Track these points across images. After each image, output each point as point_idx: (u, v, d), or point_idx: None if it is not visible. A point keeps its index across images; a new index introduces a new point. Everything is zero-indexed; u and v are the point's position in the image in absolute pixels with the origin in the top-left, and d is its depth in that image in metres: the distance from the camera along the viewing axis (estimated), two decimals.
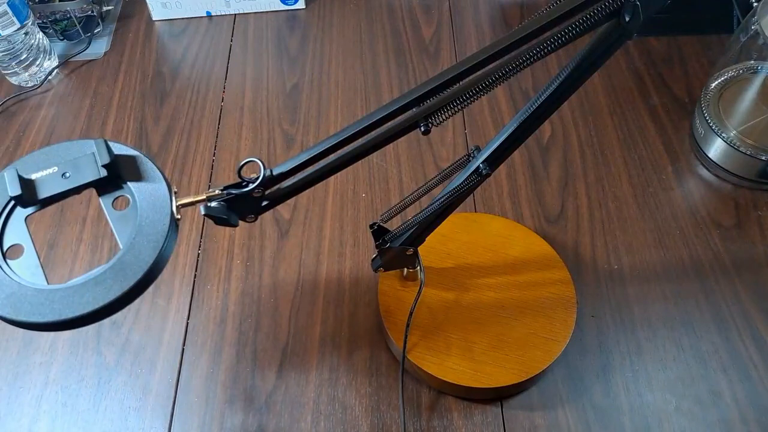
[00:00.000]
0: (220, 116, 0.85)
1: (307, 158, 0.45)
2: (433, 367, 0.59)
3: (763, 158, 0.71)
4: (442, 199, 0.52)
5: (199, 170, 0.79)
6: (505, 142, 0.49)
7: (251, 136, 0.82)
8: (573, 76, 0.45)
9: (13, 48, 0.85)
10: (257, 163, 0.45)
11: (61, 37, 0.94)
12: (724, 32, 0.88)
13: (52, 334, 0.67)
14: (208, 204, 0.45)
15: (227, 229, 0.73)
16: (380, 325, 0.64)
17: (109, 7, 0.98)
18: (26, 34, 0.85)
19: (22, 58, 0.86)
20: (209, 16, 0.97)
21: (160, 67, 0.91)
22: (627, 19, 0.41)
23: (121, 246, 0.41)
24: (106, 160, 0.42)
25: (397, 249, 0.58)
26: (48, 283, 0.41)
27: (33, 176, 0.43)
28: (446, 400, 0.61)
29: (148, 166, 0.44)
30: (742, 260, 0.69)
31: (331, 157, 0.46)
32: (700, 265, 0.69)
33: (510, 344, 0.60)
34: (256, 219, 0.48)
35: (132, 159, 0.44)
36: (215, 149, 0.81)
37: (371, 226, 0.57)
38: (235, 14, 0.97)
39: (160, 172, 0.44)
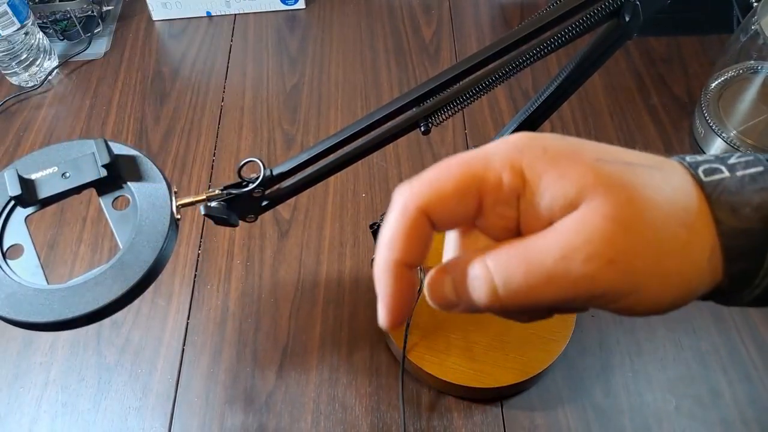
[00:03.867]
0: (220, 116, 0.85)
1: (307, 158, 0.45)
2: (433, 367, 0.59)
3: None
4: None
5: (199, 170, 0.79)
6: None
7: (251, 136, 0.82)
8: (573, 76, 0.45)
9: (13, 48, 0.85)
10: (257, 162, 0.45)
11: (61, 37, 0.94)
12: (724, 32, 0.88)
13: (52, 334, 0.67)
14: (208, 204, 0.45)
15: (227, 229, 0.73)
16: None
17: (109, 7, 0.98)
18: (26, 34, 0.85)
19: (22, 58, 0.86)
20: (209, 16, 0.97)
21: (160, 67, 0.91)
22: (627, 19, 0.41)
23: (121, 246, 0.41)
24: (106, 160, 0.42)
25: None
26: (48, 283, 0.41)
27: (33, 176, 0.43)
28: (446, 400, 0.61)
29: (148, 166, 0.44)
30: None
31: (331, 157, 0.46)
32: None
33: (510, 344, 0.60)
34: (256, 219, 0.48)
35: (132, 159, 0.44)
36: (215, 149, 0.81)
37: (371, 226, 0.57)
38: (235, 14, 0.97)
39: (160, 172, 0.44)
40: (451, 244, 0.29)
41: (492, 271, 0.24)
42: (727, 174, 0.25)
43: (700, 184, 0.24)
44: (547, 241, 0.23)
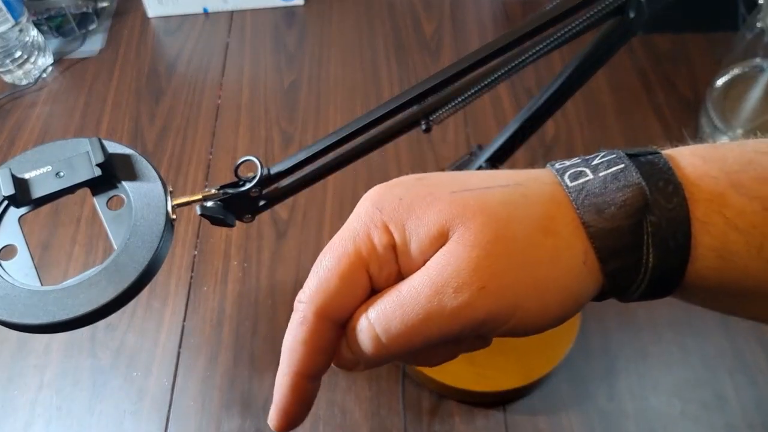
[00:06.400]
0: (216, 114, 0.84)
1: (305, 157, 0.45)
2: (434, 370, 0.58)
3: None
4: None
5: (195, 169, 0.78)
6: (507, 141, 0.49)
7: (248, 134, 0.81)
8: (577, 73, 0.45)
9: (7, 45, 0.84)
10: (254, 161, 0.44)
11: (56, 34, 0.93)
12: (730, 30, 0.87)
13: (46, 336, 0.66)
14: (204, 204, 0.44)
15: (224, 229, 0.72)
16: None
17: (105, 4, 0.97)
18: (21, 31, 0.84)
19: (16, 56, 0.85)
20: (206, 12, 0.96)
21: (155, 64, 0.90)
22: (631, 15, 0.41)
23: (115, 247, 0.40)
24: (101, 159, 0.41)
25: None
26: (42, 285, 0.40)
27: (27, 176, 0.42)
28: (448, 405, 0.60)
29: (143, 165, 0.43)
30: None
31: (330, 155, 0.45)
32: None
33: (513, 348, 0.59)
34: (253, 219, 0.48)
35: (127, 158, 0.44)
36: (212, 148, 0.80)
37: None
38: (232, 11, 0.96)
39: (156, 171, 0.43)
40: None
41: (372, 321, 0.25)
42: (590, 176, 0.25)
43: (567, 190, 0.25)
44: (418, 281, 0.24)
